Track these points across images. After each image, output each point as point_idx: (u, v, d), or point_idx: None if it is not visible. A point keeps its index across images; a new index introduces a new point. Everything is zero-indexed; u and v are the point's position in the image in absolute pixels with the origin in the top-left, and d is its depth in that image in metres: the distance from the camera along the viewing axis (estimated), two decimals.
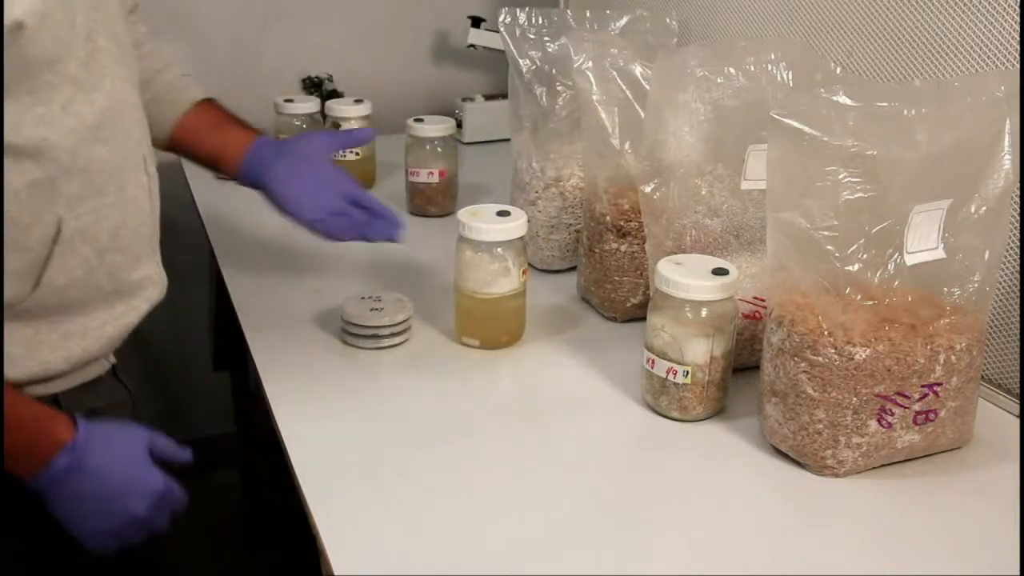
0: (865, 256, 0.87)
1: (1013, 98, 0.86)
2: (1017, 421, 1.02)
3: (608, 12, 1.39)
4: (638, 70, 1.14)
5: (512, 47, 1.33)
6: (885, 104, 0.85)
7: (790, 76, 1.05)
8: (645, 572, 0.79)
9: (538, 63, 1.33)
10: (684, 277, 0.96)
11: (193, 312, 2.04)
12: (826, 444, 0.89)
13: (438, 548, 0.81)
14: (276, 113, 1.70)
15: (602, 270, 1.20)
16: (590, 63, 1.15)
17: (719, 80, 1.04)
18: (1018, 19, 1.00)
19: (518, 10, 1.33)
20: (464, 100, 2.01)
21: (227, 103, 1.26)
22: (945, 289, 0.91)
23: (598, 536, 0.83)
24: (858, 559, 0.81)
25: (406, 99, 2.12)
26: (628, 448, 0.98)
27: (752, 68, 1.04)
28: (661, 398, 1.00)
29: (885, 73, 1.19)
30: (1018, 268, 1.03)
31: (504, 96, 1.47)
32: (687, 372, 0.97)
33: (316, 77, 2.08)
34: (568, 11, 1.39)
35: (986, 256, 0.90)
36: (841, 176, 0.84)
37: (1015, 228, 1.02)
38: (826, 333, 0.86)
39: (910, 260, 0.88)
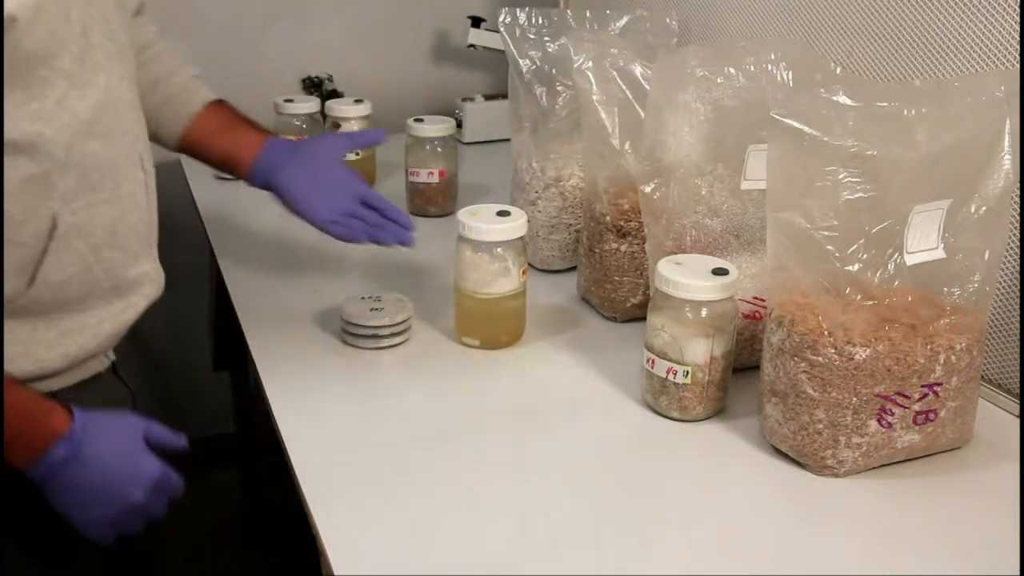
0: (865, 256, 0.87)
1: (1013, 98, 0.86)
2: (1017, 421, 1.02)
3: (608, 12, 1.39)
4: (638, 70, 1.14)
5: (512, 47, 1.33)
6: (885, 104, 0.85)
7: (790, 76, 1.05)
8: (645, 572, 0.79)
9: (538, 63, 1.33)
10: (684, 277, 0.96)
11: (193, 312, 2.04)
12: (826, 444, 0.89)
13: (438, 548, 0.81)
14: (276, 113, 1.70)
15: (602, 270, 1.20)
16: (590, 63, 1.15)
17: (719, 80, 1.04)
18: (1018, 19, 1.00)
19: (518, 10, 1.34)
20: (464, 100, 2.01)
21: None
22: (945, 289, 0.91)
23: (598, 536, 0.83)
24: (858, 559, 0.81)
25: (406, 99, 2.12)
26: (628, 448, 0.98)
27: (752, 68, 1.04)
28: (661, 398, 1.00)
29: (885, 73, 1.19)
30: (1018, 268, 1.03)
31: (504, 96, 1.47)
32: (687, 372, 0.97)
33: (316, 77, 2.08)
34: (568, 11, 1.39)
35: (986, 256, 0.90)
36: (841, 176, 0.84)
37: (1015, 228, 1.02)
38: (826, 333, 0.86)
39: (910, 260, 0.88)
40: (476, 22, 1.99)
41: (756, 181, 1.06)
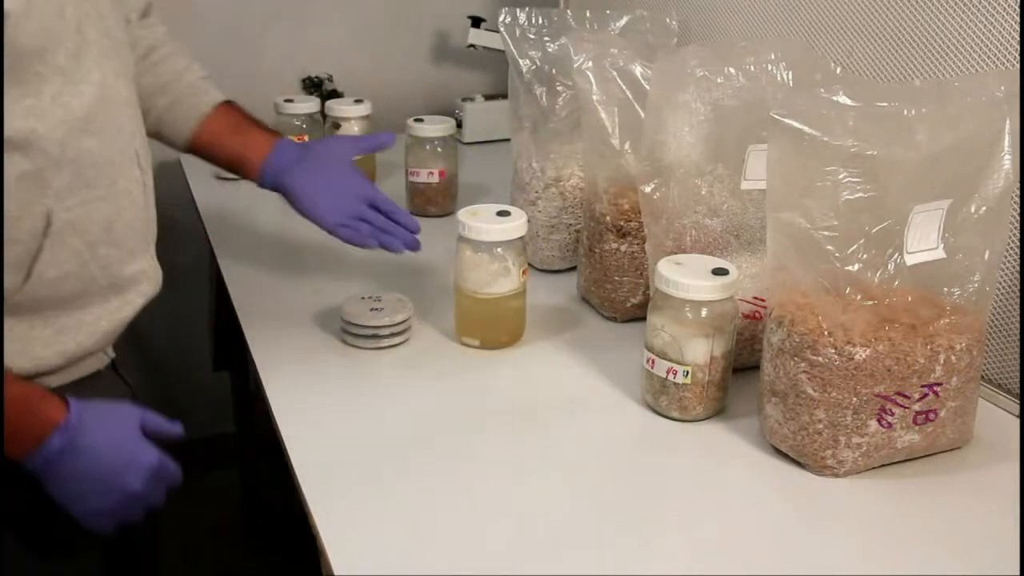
0: (865, 256, 0.87)
1: (1013, 98, 0.86)
2: (1017, 421, 1.02)
3: (608, 12, 1.39)
4: (638, 70, 1.14)
5: (512, 47, 1.33)
6: (885, 104, 0.85)
7: (790, 76, 1.05)
8: (645, 572, 0.79)
9: (538, 63, 1.33)
10: (684, 277, 0.96)
11: (193, 312, 2.05)
12: (826, 444, 0.89)
13: (438, 548, 0.81)
14: (276, 113, 1.70)
15: (602, 270, 1.20)
16: (590, 63, 1.15)
17: (719, 80, 1.04)
18: (1018, 19, 1.00)
19: (518, 10, 1.34)
20: (464, 100, 2.01)
21: None
22: (945, 289, 0.91)
23: (598, 536, 0.83)
24: (858, 559, 0.81)
25: (406, 99, 2.12)
26: (628, 448, 0.98)
27: (752, 68, 1.04)
28: (661, 398, 1.00)
29: (885, 73, 1.19)
30: (1018, 268, 1.03)
31: (504, 96, 1.47)
32: (687, 372, 0.97)
33: (316, 77, 2.09)
34: (568, 11, 1.39)
35: (986, 256, 0.90)
36: (841, 176, 0.84)
37: (1015, 228, 1.02)
38: (826, 333, 0.86)
39: (910, 260, 0.88)
40: (476, 22, 1.99)
41: (756, 181, 1.06)
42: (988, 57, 1.04)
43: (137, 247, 0.99)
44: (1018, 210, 0.99)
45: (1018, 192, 0.93)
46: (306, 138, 1.66)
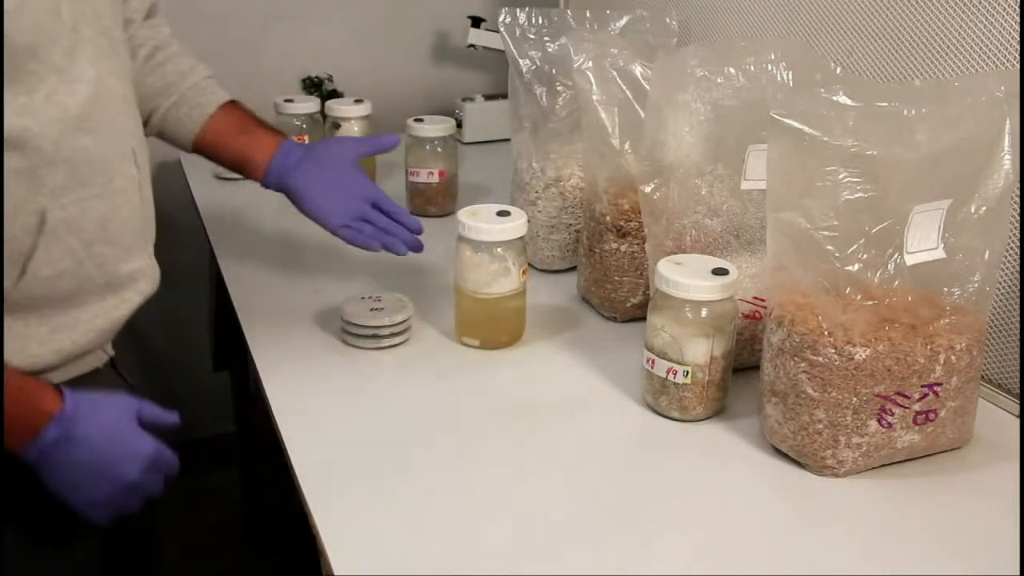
0: (865, 256, 0.87)
1: (1013, 98, 0.86)
2: (1017, 421, 1.02)
3: (608, 12, 1.39)
4: (638, 70, 1.14)
5: (512, 47, 1.33)
6: (885, 104, 0.85)
7: (790, 76, 1.05)
8: (645, 572, 0.79)
9: (538, 63, 1.33)
10: (684, 277, 0.96)
11: (193, 312, 2.05)
12: (826, 444, 0.89)
13: (438, 548, 0.81)
14: (276, 113, 1.70)
15: (602, 270, 1.20)
16: (590, 63, 1.15)
17: (719, 80, 1.04)
18: (1018, 19, 1.00)
19: (518, 10, 1.34)
20: (464, 100, 2.01)
21: None
22: (945, 289, 0.91)
23: (598, 536, 0.83)
24: (858, 559, 0.81)
25: (406, 99, 2.12)
26: (628, 448, 0.98)
27: (752, 68, 1.04)
28: (661, 398, 1.00)
29: (885, 73, 1.19)
30: (1018, 268, 1.03)
31: (504, 96, 1.47)
32: (687, 372, 0.97)
33: (316, 77, 2.09)
34: (568, 11, 1.39)
35: (986, 256, 0.90)
36: (841, 176, 0.84)
37: (1015, 228, 1.02)
38: (826, 333, 0.86)
39: (910, 260, 0.88)
40: (476, 22, 1.99)
41: (756, 181, 1.06)
42: (988, 57, 1.04)
43: (134, 245, 0.98)
44: (1018, 210, 0.99)
45: (1018, 192, 0.93)
46: (306, 138, 1.66)
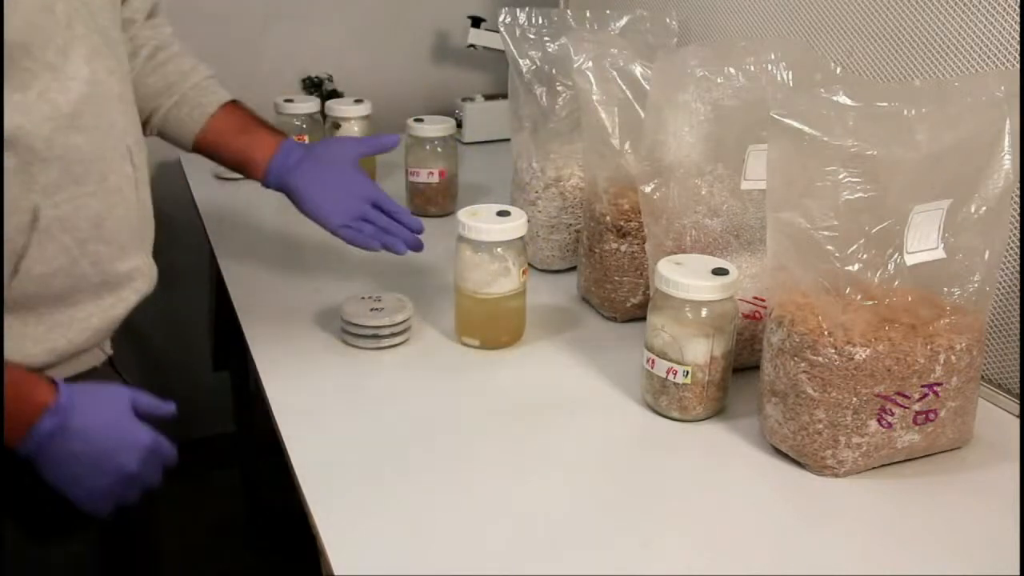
0: (865, 256, 0.87)
1: (1013, 98, 0.86)
2: (1017, 421, 1.02)
3: (608, 12, 1.39)
4: (638, 70, 1.14)
5: (512, 47, 1.33)
6: (885, 104, 0.85)
7: (790, 76, 1.05)
8: (645, 572, 0.79)
9: (538, 63, 1.33)
10: (684, 277, 0.96)
11: (193, 312, 2.05)
12: (826, 444, 0.89)
13: (438, 548, 0.81)
14: (276, 113, 1.70)
15: (602, 270, 1.20)
16: (590, 63, 1.15)
17: (719, 80, 1.04)
18: (1018, 19, 1.00)
19: (518, 10, 1.34)
20: (464, 100, 2.01)
21: None
22: (945, 289, 0.91)
23: (598, 536, 0.83)
24: (858, 559, 0.81)
25: (406, 99, 2.12)
26: (628, 448, 0.98)
27: (752, 68, 1.04)
28: (661, 398, 1.00)
29: (885, 73, 1.19)
30: (1018, 268, 1.03)
31: (504, 96, 1.47)
32: (687, 372, 0.97)
33: (316, 77, 2.09)
34: (568, 11, 1.39)
35: (986, 256, 0.90)
36: (841, 176, 0.84)
37: (1015, 228, 1.02)
38: (826, 333, 0.86)
39: (910, 260, 0.88)
40: (476, 22, 1.99)
41: (756, 181, 1.06)
42: (988, 57, 1.04)
43: (130, 244, 0.98)
44: (1018, 210, 1.00)
45: (1018, 192, 0.94)
46: (306, 138, 1.67)
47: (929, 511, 0.87)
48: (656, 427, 1.00)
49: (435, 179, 1.56)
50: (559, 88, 1.32)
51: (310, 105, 1.72)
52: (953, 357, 0.89)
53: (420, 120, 1.56)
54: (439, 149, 1.55)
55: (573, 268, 1.33)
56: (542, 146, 1.33)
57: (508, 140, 1.39)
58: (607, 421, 1.01)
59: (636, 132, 1.12)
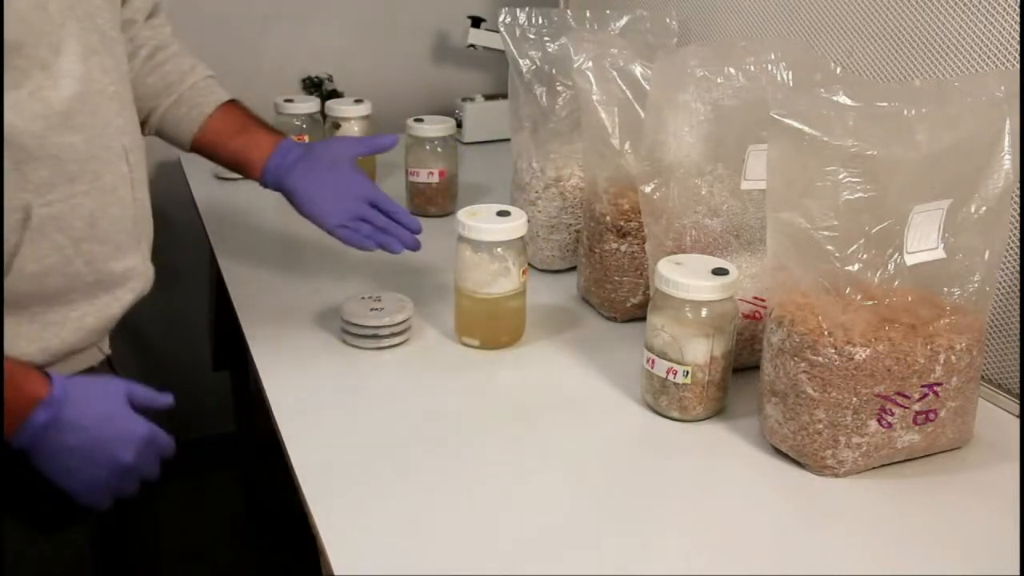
0: (865, 256, 0.87)
1: (1013, 98, 0.86)
2: (1017, 421, 1.02)
3: (608, 12, 1.39)
4: (638, 70, 1.14)
5: (512, 47, 1.33)
6: (885, 104, 0.85)
7: (790, 76, 1.05)
8: (645, 572, 0.79)
9: (538, 63, 1.33)
10: (684, 277, 0.96)
11: (193, 312, 2.05)
12: (826, 444, 0.89)
13: (438, 548, 0.81)
14: (276, 113, 1.70)
15: (602, 270, 1.20)
16: (590, 63, 1.15)
17: (719, 80, 1.04)
18: (1018, 19, 1.00)
19: (518, 10, 1.34)
20: (464, 100, 2.01)
21: None
22: (945, 289, 0.91)
23: (598, 536, 0.83)
24: (858, 559, 0.81)
25: (406, 99, 2.12)
26: (628, 448, 0.98)
27: (752, 68, 1.04)
28: (661, 398, 1.00)
29: (885, 73, 1.19)
30: (1018, 268, 1.03)
31: (504, 96, 1.47)
32: (687, 372, 0.97)
33: (316, 77, 2.09)
34: (568, 11, 1.39)
35: (986, 256, 0.90)
36: (841, 176, 0.84)
37: (1015, 228, 1.02)
38: (826, 333, 0.86)
39: (910, 260, 0.88)
40: (476, 22, 1.99)
41: (756, 181, 1.06)
42: (988, 57, 1.04)
43: (126, 244, 0.98)
44: (1018, 210, 1.00)
45: (1018, 192, 0.94)
46: (306, 138, 1.67)
47: (929, 511, 0.87)
48: (656, 427, 1.00)
49: (435, 179, 1.56)
50: (559, 88, 1.32)
51: (310, 105, 1.72)
52: (953, 357, 0.89)
53: (420, 120, 1.56)
54: (439, 149, 1.55)
55: (573, 268, 1.33)
56: (542, 146, 1.33)
57: (508, 140, 1.39)
58: (607, 421, 1.01)
59: (636, 132, 1.12)
